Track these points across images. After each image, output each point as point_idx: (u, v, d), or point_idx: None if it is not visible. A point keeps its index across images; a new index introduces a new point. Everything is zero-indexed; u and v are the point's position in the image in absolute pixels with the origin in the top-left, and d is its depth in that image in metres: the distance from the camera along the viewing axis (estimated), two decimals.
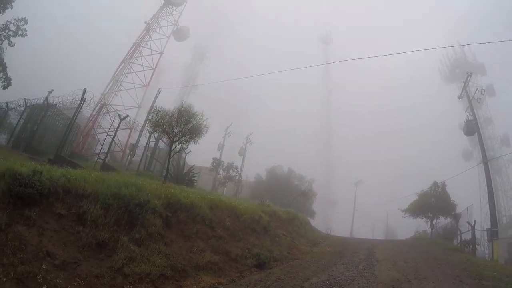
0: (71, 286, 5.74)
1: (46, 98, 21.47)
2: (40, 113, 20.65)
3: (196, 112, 14.37)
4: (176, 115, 14.16)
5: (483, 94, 25.29)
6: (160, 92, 31.53)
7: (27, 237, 5.95)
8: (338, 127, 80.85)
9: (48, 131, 20.63)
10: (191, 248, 8.84)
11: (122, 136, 28.14)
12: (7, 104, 23.78)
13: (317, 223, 28.73)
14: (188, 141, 14.48)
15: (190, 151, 23.11)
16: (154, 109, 15.70)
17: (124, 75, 37.05)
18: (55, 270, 5.81)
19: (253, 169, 40.22)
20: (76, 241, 6.63)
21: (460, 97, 27.21)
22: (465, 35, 64.38)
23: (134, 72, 37.49)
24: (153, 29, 39.75)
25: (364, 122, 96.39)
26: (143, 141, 26.64)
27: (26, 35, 21.69)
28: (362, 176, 65.52)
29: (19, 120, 21.65)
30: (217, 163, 34.12)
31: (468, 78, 25.69)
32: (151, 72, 38.51)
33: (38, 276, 5.48)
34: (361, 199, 55.86)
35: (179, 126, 14.05)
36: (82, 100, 18.48)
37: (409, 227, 29.45)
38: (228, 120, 42.50)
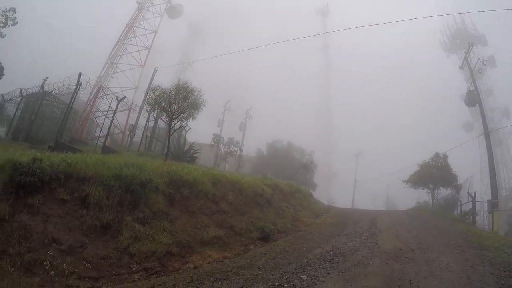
0: (78, 270, 5.83)
1: (42, 86, 21.22)
2: (36, 102, 20.37)
3: (193, 88, 14.25)
4: (173, 92, 14.05)
5: (485, 65, 25.06)
6: (156, 71, 31.11)
7: (31, 225, 6.02)
8: (338, 99, 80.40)
9: (46, 119, 20.32)
10: (195, 224, 8.92)
11: (121, 118, 27.88)
12: (3, 96, 23.59)
13: (319, 195, 28.69)
14: (187, 118, 14.40)
15: (190, 128, 23.06)
16: (152, 88, 15.54)
17: (119, 56, 36.59)
18: (62, 255, 5.90)
19: (254, 143, 40.35)
20: (81, 225, 6.70)
21: (461, 67, 26.98)
22: (467, 7, 63.08)
23: (129, 53, 36.97)
24: (146, 8, 38.94)
25: (364, 93, 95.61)
26: (142, 122, 26.52)
27: (16, 23, 21.15)
28: (363, 147, 65.30)
29: (16, 111, 21.25)
30: (217, 139, 34.05)
31: (470, 48, 25.42)
32: (146, 52, 37.93)
33: (45, 263, 5.57)
34: (362, 171, 56.02)
35: (177, 103, 13.96)
36: (78, 84, 18.24)
37: (410, 198, 29.64)
38: (227, 96, 42.24)
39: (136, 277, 6.31)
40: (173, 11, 43.17)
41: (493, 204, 20.35)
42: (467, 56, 25.44)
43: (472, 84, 24.54)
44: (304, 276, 6.79)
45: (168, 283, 6.04)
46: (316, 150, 42.21)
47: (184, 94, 13.99)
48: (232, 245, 9.06)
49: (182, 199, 9.47)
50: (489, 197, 21.75)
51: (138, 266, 6.58)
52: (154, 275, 6.52)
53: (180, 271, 6.96)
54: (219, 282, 6.26)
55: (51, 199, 6.77)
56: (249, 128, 41.06)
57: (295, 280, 6.54)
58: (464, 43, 28.17)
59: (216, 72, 61.72)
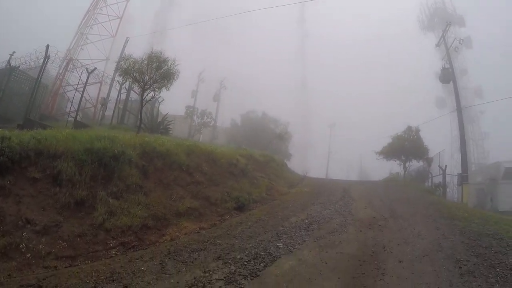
0: (55, 250, 5.69)
1: (8, 61, 20.15)
2: (3, 78, 19.39)
3: (167, 57, 13.92)
4: (146, 62, 13.70)
5: (461, 44, 25.37)
6: (128, 41, 30.09)
7: (4, 208, 5.83)
8: (314, 73, 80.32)
9: (15, 96, 19.41)
10: (170, 196, 8.81)
11: (92, 91, 27.13)
12: None
13: (294, 165, 29.03)
14: (160, 88, 14.10)
15: (163, 99, 22.59)
16: (123, 57, 15.04)
17: (89, 27, 34.88)
18: (37, 236, 5.74)
19: (229, 115, 40.01)
20: (54, 203, 6.51)
21: (437, 45, 27.22)
22: None
23: (100, 23, 35.26)
24: None
25: (340, 66, 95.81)
26: (114, 95, 25.81)
27: None
28: (337, 119, 66.10)
29: None
30: (190, 111, 33.55)
31: (447, 27, 25.66)
32: (118, 22, 36.27)
33: (21, 246, 5.42)
34: (336, 142, 56.88)
35: (150, 73, 13.66)
36: (46, 57, 17.54)
37: (382, 170, 30.24)
38: (202, 67, 41.28)
39: (113, 252, 6.20)
40: None
41: (463, 178, 21.07)
42: (444, 34, 25.72)
43: (448, 62, 24.85)
44: (280, 244, 6.88)
45: (145, 256, 5.99)
46: (292, 121, 42.13)
47: (157, 63, 13.76)
48: (208, 215, 9.02)
49: (156, 171, 9.30)
50: (459, 171, 22.46)
51: (114, 241, 6.47)
52: (131, 250, 6.44)
53: (157, 244, 6.89)
54: (196, 253, 6.26)
55: (22, 178, 6.54)
56: (224, 99, 40.65)
57: (272, 248, 6.62)
58: (442, 22, 28.36)
59: (191, 42, 60.06)
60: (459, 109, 23.36)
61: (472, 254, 6.58)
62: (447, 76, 24.62)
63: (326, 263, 5.92)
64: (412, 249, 6.79)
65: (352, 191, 15.05)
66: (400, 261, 6.06)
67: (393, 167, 28.09)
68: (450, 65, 24.85)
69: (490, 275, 5.54)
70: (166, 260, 5.82)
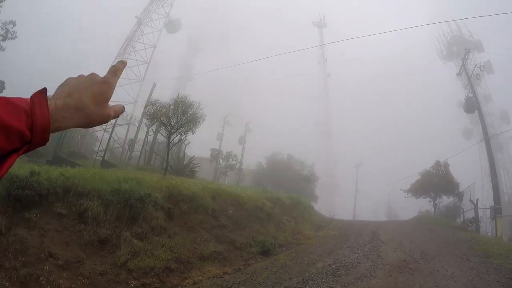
0: (74, 286, 5.68)
1: None
2: None
3: (192, 102, 14.29)
4: (172, 106, 14.11)
5: (482, 70, 25.08)
6: (155, 85, 31.15)
7: (28, 239, 5.90)
8: (337, 111, 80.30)
9: None
10: (194, 239, 8.79)
11: (120, 132, 27.92)
12: None
13: (320, 207, 28.56)
14: (186, 132, 14.46)
15: (189, 142, 23.05)
16: (151, 102, 15.61)
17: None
18: (58, 270, 5.76)
19: (254, 157, 39.90)
20: (78, 240, 6.58)
21: (458, 74, 27.06)
22: (461, 14, 63.44)
23: (129, 67, 36.99)
24: (145, 23, 39.19)
25: (363, 104, 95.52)
26: (141, 136, 26.51)
27: (16, 37, 21.14)
28: (364, 158, 65.10)
29: None
30: (216, 153, 33.95)
31: (466, 55, 25.45)
32: (145, 66, 38.07)
33: (41, 278, 5.43)
34: (363, 182, 55.82)
35: (176, 117, 14.04)
36: None
37: (411, 208, 29.20)
38: (227, 110, 42.19)
39: None
40: (171, 26, 43.35)
41: (496, 210, 20.17)
42: (464, 62, 25.50)
43: (471, 91, 24.55)
44: None
45: None
46: (317, 161, 42.07)
47: (183, 108, 14.09)
48: (232, 260, 8.92)
49: (181, 214, 9.37)
50: (491, 203, 21.59)
51: (136, 282, 6.42)
52: None
53: (179, 287, 6.83)
54: None
55: (49, 213, 6.68)
56: (249, 142, 40.99)
57: None
58: (460, 50, 28.31)
59: (216, 85, 61.89)
60: (486, 138, 22.81)
61: None
62: (471, 105, 24.23)
63: None
64: None
65: (380, 232, 14.66)
66: None
67: (423, 204, 27.27)
68: (473, 93, 24.50)
69: None
70: None
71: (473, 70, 24.83)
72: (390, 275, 7.83)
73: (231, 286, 6.93)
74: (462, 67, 25.53)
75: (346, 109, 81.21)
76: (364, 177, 56.05)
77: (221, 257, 8.72)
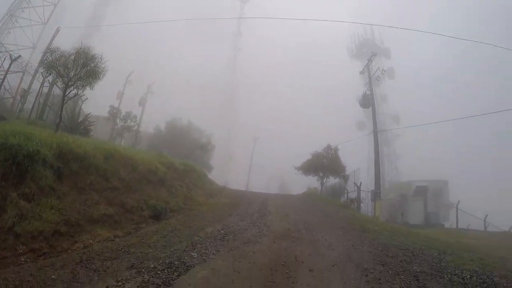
0: None
1: None
2: None
3: (95, 54, 13.46)
4: (73, 57, 13.12)
5: (383, 74, 27.70)
6: (58, 31, 27.94)
7: None
8: (245, 87, 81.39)
9: None
10: (85, 201, 8.45)
11: (13, 80, 24.66)
12: None
13: (215, 176, 28.83)
14: (84, 86, 13.37)
15: (87, 98, 21.31)
16: (50, 49, 14.18)
17: (21, 9, 31.87)
18: None
19: (154, 121, 38.40)
20: None
21: (362, 72, 29.47)
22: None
23: (33, 7, 32.43)
24: None
25: (273, 86, 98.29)
26: (36, 87, 23.75)
27: None
28: (262, 134, 67.68)
29: None
30: (114, 112, 32.04)
31: (372, 57, 27.96)
32: (51, 8, 33.67)
33: None
34: (259, 156, 57.93)
35: (76, 69, 12.93)
36: None
37: (301, 184, 30.86)
38: (133, 69, 39.64)
39: (22, 259, 5.84)
40: None
41: (376, 194, 22.96)
42: (369, 63, 28.00)
43: (369, 89, 27.03)
44: (195, 254, 6.92)
45: (56, 264, 5.76)
46: (217, 132, 42.11)
47: (84, 60, 13.01)
48: (123, 223, 8.82)
49: (72, 174, 8.82)
50: (373, 188, 24.37)
51: (24, 247, 6.07)
52: (42, 257, 6.10)
53: (69, 251, 6.63)
54: (109, 262, 6.13)
55: None
56: (150, 105, 39.26)
57: (186, 257, 6.65)
58: (369, 52, 30.77)
59: (125, 42, 57.67)
60: (375, 132, 25.48)
61: (378, 263, 7.11)
62: (367, 101, 26.78)
63: (238, 272, 6.07)
64: (322, 259, 7.18)
65: (270, 203, 15.45)
66: (310, 270, 6.39)
67: (312, 182, 29.03)
68: (371, 91, 27.08)
69: (395, 282, 6.02)
70: (78, 269, 5.62)
71: (375, 72, 27.19)
72: (274, 242, 8.43)
73: (121, 249, 6.92)
74: (366, 67, 27.90)
75: (255, 85, 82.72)
76: (260, 152, 58.14)
77: (112, 220, 8.57)
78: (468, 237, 15.25)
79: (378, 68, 27.66)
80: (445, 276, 6.45)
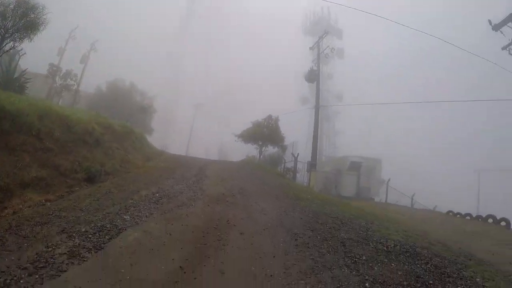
0: None
1: None
2: None
3: (36, 3, 12.68)
4: (12, 6, 12.30)
5: (332, 52, 28.38)
6: None
7: None
8: (194, 52, 79.38)
9: None
10: (15, 163, 8.07)
11: None
12: None
13: (155, 140, 28.53)
14: (22, 39, 12.58)
15: (25, 53, 19.56)
16: None
17: None
18: None
19: (96, 81, 36.38)
20: None
21: (311, 48, 30.11)
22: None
23: None
24: None
25: (218, 48, 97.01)
26: None
27: None
28: (206, 100, 67.17)
29: None
30: (54, 70, 29.93)
31: (324, 34, 28.54)
32: None
33: None
34: (200, 122, 57.74)
35: (14, 19, 12.13)
36: None
37: (241, 152, 31.21)
38: (75, 23, 36.78)
39: None
40: None
41: (312, 165, 24.16)
42: (319, 40, 28.61)
43: (316, 64, 27.79)
44: (127, 217, 6.98)
45: None
46: (160, 96, 41.02)
47: (24, 9, 12.07)
48: (55, 186, 8.58)
49: (2, 133, 8.39)
50: (310, 159, 25.59)
51: None
52: None
53: None
54: (40, 227, 6.04)
55: None
56: (94, 64, 36.98)
57: (118, 220, 6.69)
58: (322, 30, 31.30)
59: None
60: (317, 106, 26.44)
61: (308, 228, 7.52)
62: (313, 76, 27.56)
63: (170, 234, 6.24)
64: (254, 223, 7.51)
65: (207, 169, 15.62)
66: (241, 233, 6.69)
67: (251, 150, 29.52)
68: (318, 67, 27.86)
69: (323, 247, 6.45)
70: (7, 236, 5.49)
71: (325, 49, 27.85)
72: (208, 205, 8.66)
73: (53, 213, 6.80)
74: (317, 44, 28.52)
75: (206, 53, 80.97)
76: (203, 118, 57.91)
77: (44, 184, 8.30)
78: (396, 212, 16.57)
79: (328, 46, 28.34)
80: (371, 244, 6.94)
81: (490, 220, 16.66)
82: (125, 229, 6.27)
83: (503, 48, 17.86)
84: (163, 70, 66.33)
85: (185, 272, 4.91)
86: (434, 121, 70.75)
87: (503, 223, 15.79)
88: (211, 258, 5.46)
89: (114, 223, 6.46)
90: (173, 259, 5.27)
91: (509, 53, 17.64)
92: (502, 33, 17.84)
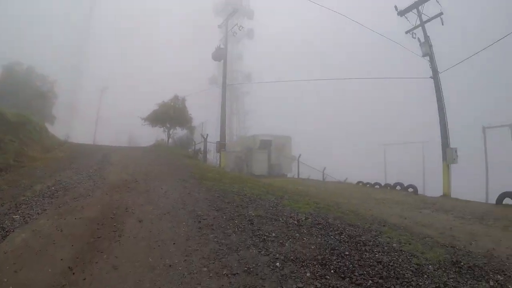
0: None
1: None
2: None
3: None
4: None
5: (240, 30, 28.29)
6: None
7: None
8: (103, 29, 73.23)
9: None
10: None
11: None
12: None
13: (58, 129, 26.55)
14: None
15: None
16: None
17: None
18: None
19: None
20: None
21: (220, 26, 29.91)
22: None
23: None
24: None
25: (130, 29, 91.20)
26: None
27: None
28: (112, 84, 63.14)
29: None
30: None
31: (233, 12, 28.63)
32: None
33: None
34: (107, 107, 54.36)
35: None
36: None
37: (151, 136, 30.23)
38: None
39: None
40: None
41: (221, 145, 24.48)
42: (228, 18, 28.70)
43: (224, 43, 27.69)
44: (17, 216, 6.44)
45: None
46: (64, 80, 37.33)
47: None
48: None
49: None
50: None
51: None
52: None
53: None
54: None
55: None
56: None
57: (6, 221, 6.13)
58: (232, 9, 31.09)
59: None
60: (224, 85, 26.59)
61: (213, 209, 7.31)
62: (220, 55, 27.48)
63: (61, 231, 5.79)
64: (154, 209, 7.18)
65: (113, 156, 15.04)
66: (140, 221, 6.36)
67: (160, 134, 28.86)
68: (225, 46, 27.83)
69: (228, 227, 6.23)
70: None
71: (233, 27, 27.79)
72: (107, 194, 8.25)
73: None
74: (225, 21, 28.44)
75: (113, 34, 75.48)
76: (110, 103, 54.52)
77: None
78: (307, 185, 17.07)
79: (236, 24, 28.33)
80: (281, 219, 6.87)
81: (398, 188, 17.98)
82: (13, 231, 5.73)
83: (407, 32, 20.01)
84: (69, 51, 59.59)
85: (74, 273, 4.50)
86: (346, 98, 75.60)
87: (410, 189, 17.12)
88: (104, 253, 5.09)
89: (1, 226, 5.88)
90: (61, 259, 4.85)
91: (412, 37, 19.73)
92: (406, 18, 20.02)
